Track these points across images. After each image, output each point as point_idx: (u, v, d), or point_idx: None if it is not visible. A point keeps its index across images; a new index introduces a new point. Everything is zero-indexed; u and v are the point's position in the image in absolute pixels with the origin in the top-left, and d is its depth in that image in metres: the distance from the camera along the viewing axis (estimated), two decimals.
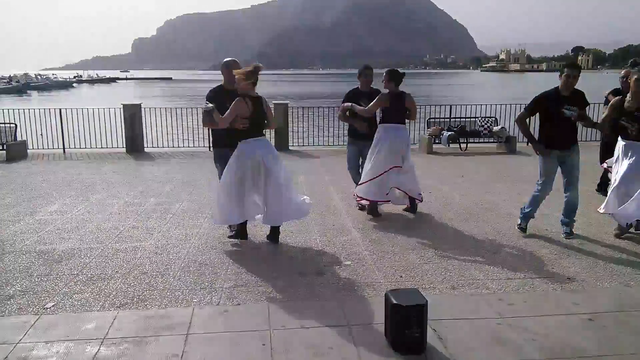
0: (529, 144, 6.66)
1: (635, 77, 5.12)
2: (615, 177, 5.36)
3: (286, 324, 3.57)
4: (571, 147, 5.37)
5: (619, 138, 5.41)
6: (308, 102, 29.24)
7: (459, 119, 12.68)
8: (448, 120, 12.70)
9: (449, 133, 11.82)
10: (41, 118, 12.50)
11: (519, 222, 5.73)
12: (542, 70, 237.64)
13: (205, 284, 4.30)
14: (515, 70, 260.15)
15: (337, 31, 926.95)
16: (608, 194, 5.44)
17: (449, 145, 12.09)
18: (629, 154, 5.23)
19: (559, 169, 5.47)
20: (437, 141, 11.92)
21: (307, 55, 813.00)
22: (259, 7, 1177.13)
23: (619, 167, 5.32)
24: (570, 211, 5.49)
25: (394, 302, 3.20)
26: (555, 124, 5.30)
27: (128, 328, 3.53)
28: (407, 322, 3.17)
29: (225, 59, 5.50)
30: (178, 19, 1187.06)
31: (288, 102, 13.50)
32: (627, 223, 5.37)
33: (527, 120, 5.57)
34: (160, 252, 5.10)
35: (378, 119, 6.53)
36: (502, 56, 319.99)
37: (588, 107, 5.63)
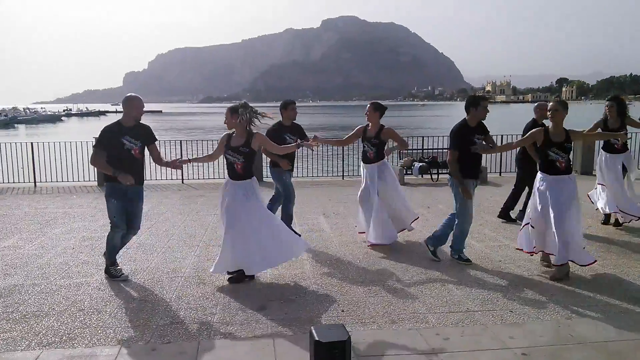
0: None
1: (553, 108, 5.18)
2: (537, 211, 5.23)
3: None
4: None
5: (542, 171, 5.30)
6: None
7: (431, 150, 12.77)
8: (420, 151, 12.78)
9: (420, 164, 11.88)
10: (12, 152, 12.41)
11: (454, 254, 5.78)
12: (527, 102, 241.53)
13: (141, 321, 4.19)
14: (502, 102, 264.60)
15: (326, 66, 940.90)
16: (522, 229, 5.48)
17: (421, 176, 12.15)
18: (556, 189, 5.11)
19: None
20: (408, 172, 11.96)
21: (297, 89, 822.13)
22: (249, 42, 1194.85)
23: (544, 201, 5.17)
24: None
25: (316, 338, 3.12)
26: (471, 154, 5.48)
27: None
28: (328, 358, 3.09)
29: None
30: (169, 53, 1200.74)
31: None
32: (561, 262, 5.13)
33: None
34: (104, 288, 4.99)
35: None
36: (488, 88, 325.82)
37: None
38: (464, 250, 5.76)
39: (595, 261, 5.24)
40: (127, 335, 3.91)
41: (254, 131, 5.04)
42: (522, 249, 5.48)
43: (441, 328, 4.00)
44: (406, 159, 12.22)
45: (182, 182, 12.20)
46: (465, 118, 5.55)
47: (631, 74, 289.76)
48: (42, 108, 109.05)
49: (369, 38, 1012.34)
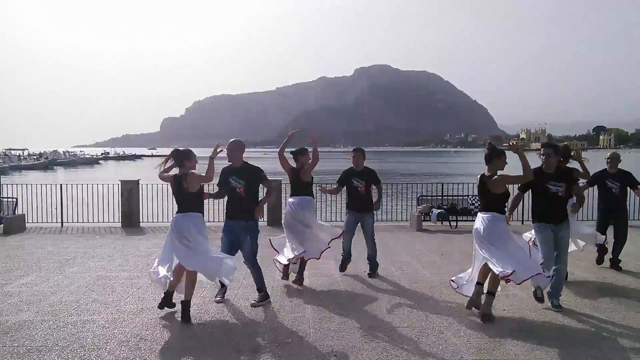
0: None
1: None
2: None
3: None
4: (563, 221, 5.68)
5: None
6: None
7: (450, 197, 12.72)
8: (439, 197, 12.75)
9: (439, 211, 11.84)
10: (44, 193, 12.96)
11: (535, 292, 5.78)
12: None
13: (137, 359, 4.29)
14: (536, 149, 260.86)
15: (359, 111, 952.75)
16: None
17: (442, 223, 12.08)
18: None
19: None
20: (427, 219, 11.92)
21: (329, 134, 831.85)
22: (283, 89, 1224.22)
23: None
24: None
25: None
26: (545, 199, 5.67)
27: None
28: None
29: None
30: (206, 100, 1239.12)
31: (281, 178, 13.77)
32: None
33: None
34: (108, 326, 5.13)
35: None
36: (523, 135, 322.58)
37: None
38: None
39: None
40: None
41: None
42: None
43: None
44: (425, 205, 12.21)
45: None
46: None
47: None
48: (81, 151, 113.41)
49: (402, 86, 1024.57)
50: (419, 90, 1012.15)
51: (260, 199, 5.92)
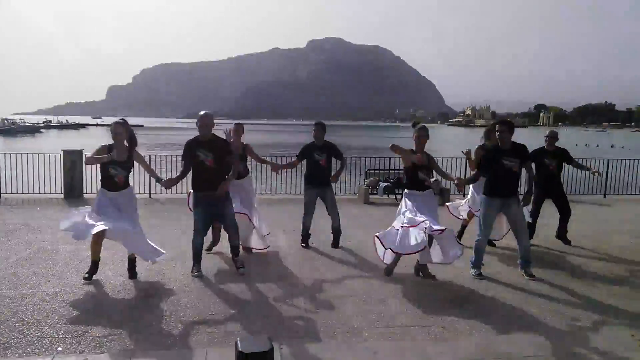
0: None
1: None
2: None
3: None
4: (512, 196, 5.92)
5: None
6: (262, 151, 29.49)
7: (397, 171, 13.01)
8: (386, 171, 13.01)
9: (385, 184, 12.10)
10: None
11: (473, 272, 6.05)
12: None
13: (79, 332, 4.24)
14: (481, 125, 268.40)
15: (312, 85, 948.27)
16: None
17: (388, 196, 12.36)
18: None
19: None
20: (374, 192, 12.16)
21: (282, 108, 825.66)
22: (236, 60, 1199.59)
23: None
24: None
25: (239, 349, 3.23)
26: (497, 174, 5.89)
27: None
28: None
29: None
30: (155, 68, 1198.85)
31: None
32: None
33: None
34: (49, 299, 5.02)
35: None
36: (468, 112, 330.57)
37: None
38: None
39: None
40: (63, 346, 3.96)
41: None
42: None
43: (373, 342, 4.13)
44: (372, 178, 12.43)
45: (150, 197, 12.22)
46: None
47: (606, 101, 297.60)
48: (21, 119, 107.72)
49: (354, 60, 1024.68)
50: (371, 65, 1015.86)
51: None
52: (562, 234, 7.79)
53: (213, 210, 5.90)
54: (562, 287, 5.71)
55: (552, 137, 7.73)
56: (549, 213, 7.94)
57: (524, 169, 6.09)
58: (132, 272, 5.75)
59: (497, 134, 5.92)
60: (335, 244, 7.42)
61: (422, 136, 5.97)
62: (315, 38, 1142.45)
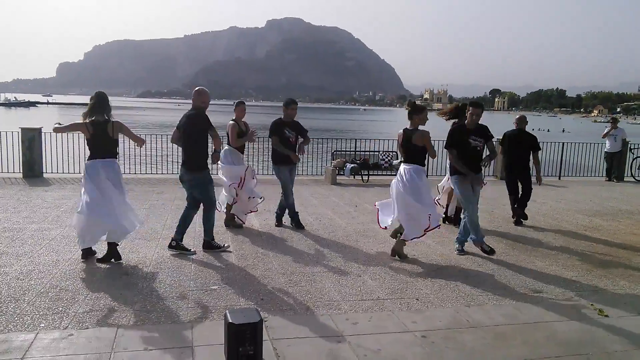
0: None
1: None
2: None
3: (129, 347, 3.60)
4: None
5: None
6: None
7: (363, 152, 13.22)
8: (352, 153, 13.21)
9: (352, 165, 12.29)
10: None
11: (458, 247, 6.34)
12: None
13: (59, 309, 4.23)
14: (438, 109, 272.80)
15: (270, 65, 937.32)
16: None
17: (354, 177, 12.57)
18: None
19: None
20: (341, 173, 12.34)
21: (240, 87, 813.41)
22: (192, 38, 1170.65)
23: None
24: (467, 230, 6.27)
25: (230, 320, 3.33)
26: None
27: None
28: (240, 339, 3.30)
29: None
30: (107, 45, 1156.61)
31: None
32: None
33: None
34: (23, 277, 4.95)
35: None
36: (426, 95, 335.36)
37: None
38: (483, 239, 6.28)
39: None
40: (45, 322, 3.95)
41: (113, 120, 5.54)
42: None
43: (352, 314, 4.31)
44: (338, 160, 12.60)
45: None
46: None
47: (557, 88, 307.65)
48: None
49: (314, 40, 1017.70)
50: (330, 47, 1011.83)
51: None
52: (520, 210, 8.17)
53: (190, 186, 5.96)
54: (527, 262, 6.06)
55: (521, 121, 8.14)
56: (506, 194, 8.31)
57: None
58: (117, 256, 5.58)
59: (470, 115, 6.14)
60: (299, 224, 7.45)
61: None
62: (275, 17, 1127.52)
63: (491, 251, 6.15)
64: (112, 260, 5.49)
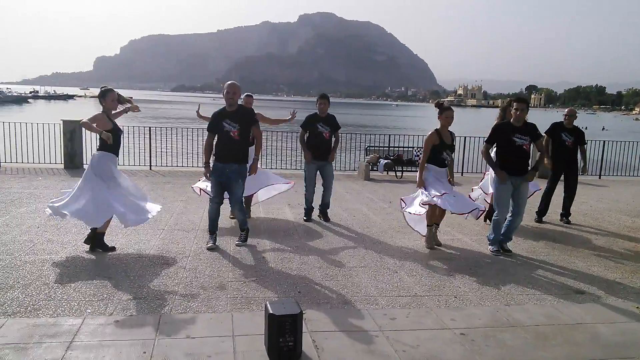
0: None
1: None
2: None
3: (173, 334, 3.69)
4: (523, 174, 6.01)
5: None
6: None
7: (397, 148, 13.14)
8: (386, 148, 13.14)
9: (386, 161, 12.23)
10: None
11: (491, 248, 6.18)
12: (497, 106, 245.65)
13: (104, 295, 4.36)
14: (472, 106, 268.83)
15: (302, 60, 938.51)
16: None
17: (387, 173, 12.51)
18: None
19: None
20: (374, 168, 12.30)
21: (272, 83, 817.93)
22: (224, 33, 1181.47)
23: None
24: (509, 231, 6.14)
25: (270, 311, 3.38)
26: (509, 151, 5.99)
27: (13, 335, 3.57)
28: (280, 330, 3.34)
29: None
30: (142, 40, 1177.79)
31: None
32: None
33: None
34: (69, 265, 5.12)
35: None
36: (460, 91, 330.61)
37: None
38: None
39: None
40: (91, 308, 4.08)
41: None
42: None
43: (389, 309, 4.31)
44: (372, 155, 12.56)
45: (150, 169, 12.25)
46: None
47: (597, 84, 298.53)
48: (7, 89, 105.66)
49: (346, 35, 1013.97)
50: (362, 41, 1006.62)
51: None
52: (566, 212, 7.99)
53: (224, 180, 5.95)
54: (567, 262, 5.93)
55: (571, 116, 7.89)
56: (557, 192, 8.10)
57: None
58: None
59: (514, 110, 5.96)
60: (326, 217, 7.53)
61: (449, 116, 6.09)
62: (307, 12, 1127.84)
63: (499, 252, 6.11)
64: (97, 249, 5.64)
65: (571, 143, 7.76)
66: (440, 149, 6.03)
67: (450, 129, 6.16)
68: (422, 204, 5.94)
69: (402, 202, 6.43)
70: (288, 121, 7.64)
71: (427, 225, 6.20)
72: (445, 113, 6.04)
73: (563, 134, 7.76)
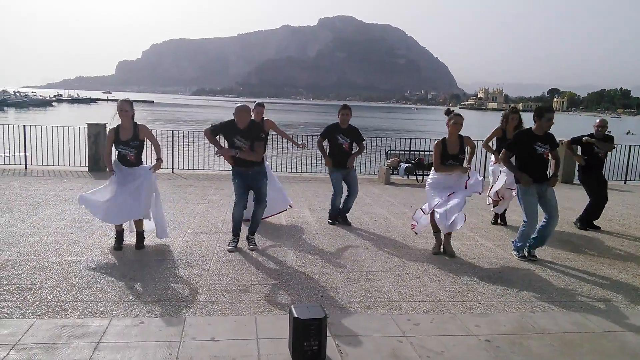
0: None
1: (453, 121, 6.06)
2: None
3: (197, 336, 3.71)
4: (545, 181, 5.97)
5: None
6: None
7: (418, 152, 13.07)
8: (407, 152, 13.08)
9: (406, 165, 12.18)
10: (3, 134, 12.54)
11: (517, 254, 6.15)
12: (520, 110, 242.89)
13: (130, 297, 4.42)
14: (493, 109, 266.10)
15: (321, 64, 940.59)
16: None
17: (408, 177, 12.46)
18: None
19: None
20: (395, 172, 12.25)
21: (291, 86, 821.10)
22: (245, 37, 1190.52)
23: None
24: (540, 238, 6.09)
25: (295, 315, 3.38)
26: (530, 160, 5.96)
27: (42, 335, 3.64)
28: (305, 334, 3.35)
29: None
30: (164, 44, 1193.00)
31: None
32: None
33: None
34: (95, 266, 5.20)
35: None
36: (481, 95, 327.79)
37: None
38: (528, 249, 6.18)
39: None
40: (117, 310, 4.14)
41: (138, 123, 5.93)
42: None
43: (413, 315, 4.28)
44: (393, 159, 12.52)
45: (172, 172, 12.39)
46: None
47: (621, 88, 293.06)
48: (32, 92, 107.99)
49: (365, 39, 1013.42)
50: (382, 45, 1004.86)
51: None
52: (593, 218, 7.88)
53: (248, 181, 6.02)
54: (594, 268, 5.83)
55: (603, 127, 7.81)
56: (577, 197, 8.00)
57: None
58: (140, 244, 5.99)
59: (546, 121, 5.88)
60: (346, 221, 7.53)
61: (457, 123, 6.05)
62: (327, 16, 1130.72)
63: (524, 258, 6.06)
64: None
65: (604, 154, 7.76)
66: (444, 159, 6.06)
67: (468, 133, 6.18)
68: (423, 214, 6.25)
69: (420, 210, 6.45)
70: (296, 144, 7.88)
71: (434, 233, 6.25)
72: (453, 120, 6.00)
73: (595, 148, 7.71)
